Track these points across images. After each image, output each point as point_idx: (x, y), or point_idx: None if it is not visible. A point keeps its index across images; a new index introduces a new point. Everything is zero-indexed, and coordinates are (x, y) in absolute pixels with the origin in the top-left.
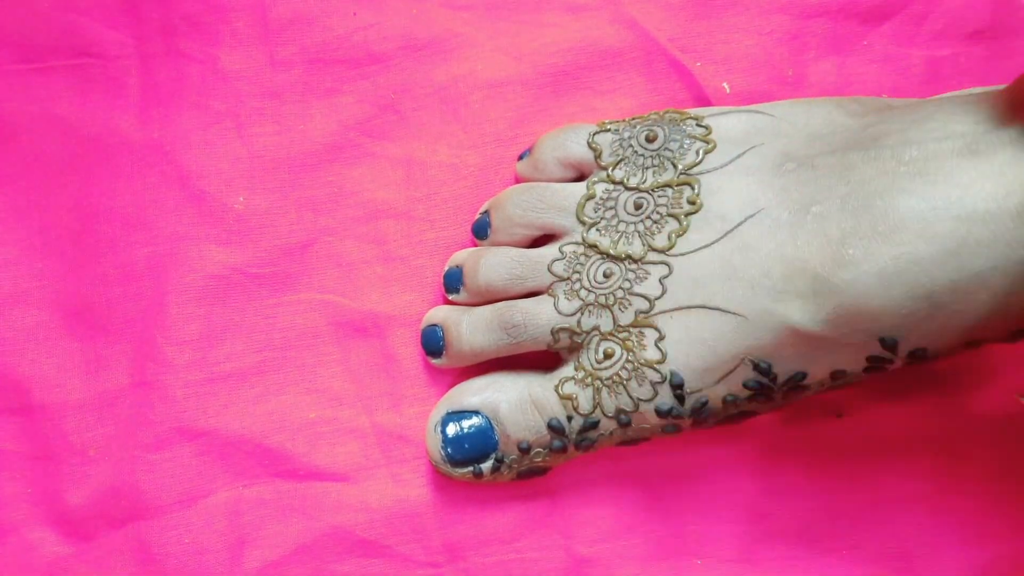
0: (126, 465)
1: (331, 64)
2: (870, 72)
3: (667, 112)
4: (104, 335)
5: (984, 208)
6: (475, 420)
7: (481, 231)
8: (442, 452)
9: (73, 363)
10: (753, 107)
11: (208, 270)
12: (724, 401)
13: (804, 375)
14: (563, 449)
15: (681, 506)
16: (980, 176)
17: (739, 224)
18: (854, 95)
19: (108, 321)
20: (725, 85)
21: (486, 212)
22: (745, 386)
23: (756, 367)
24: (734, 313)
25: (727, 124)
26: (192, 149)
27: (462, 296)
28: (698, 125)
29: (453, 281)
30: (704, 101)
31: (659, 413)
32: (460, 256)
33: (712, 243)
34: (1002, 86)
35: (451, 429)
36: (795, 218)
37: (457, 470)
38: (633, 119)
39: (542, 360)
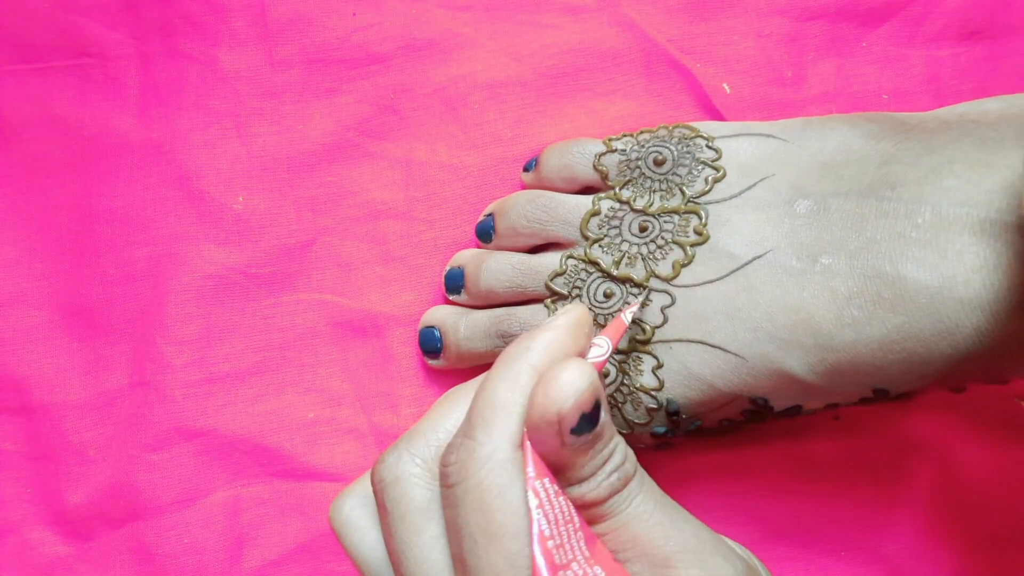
0: (125, 465)
1: (330, 64)
2: (869, 73)
3: (677, 127)
4: (104, 335)
5: (987, 298)
6: None
7: (485, 234)
8: None
9: (73, 363)
10: (765, 128)
11: (207, 270)
12: (719, 424)
13: (799, 408)
14: None
15: None
16: (987, 264)
17: (746, 264)
18: (853, 95)
19: (108, 321)
20: (725, 86)
21: (490, 216)
22: (742, 414)
23: (753, 401)
24: (734, 354)
25: (738, 149)
26: (192, 149)
27: (462, 298)
28: (708, 147)
29: (454, 282)
30: (705, 102)
31: (654, 435)
32: (462, 257)
33: (717, 280)
34: (1016, 98)
35: None
36: (803, 266)
37: None
38: (641, 133)
39: None
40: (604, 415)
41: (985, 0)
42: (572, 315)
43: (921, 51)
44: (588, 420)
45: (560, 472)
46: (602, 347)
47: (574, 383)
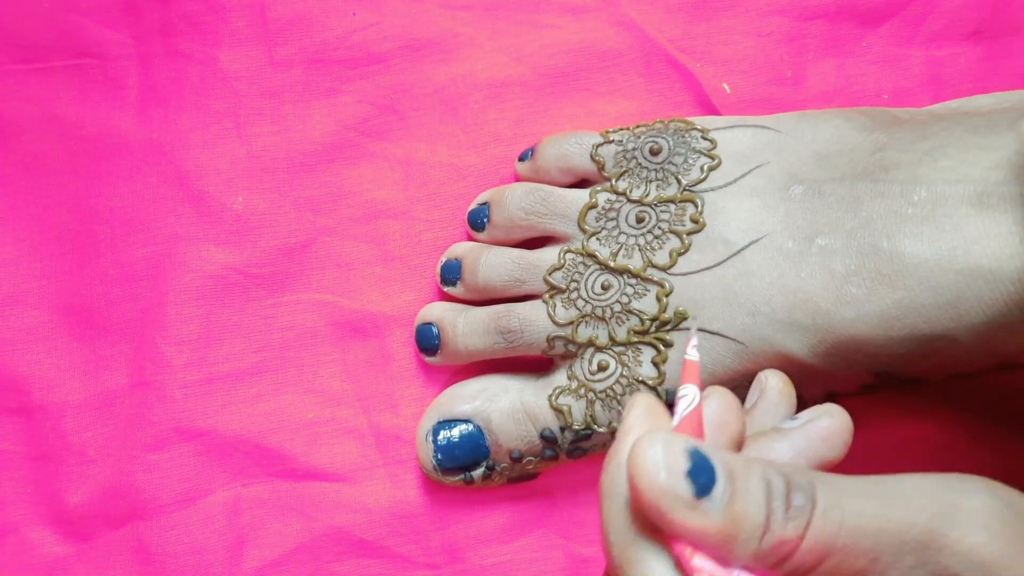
0: (125, 465)
1: (331, 64)
2: (869, 73)
3: (672, 121)
4: (103, 335)
5: (987, 267)
6: (466, 428)
7: (478, 223)
8: (433, 460)
9: (73, 363)
10: (759, 120)
11: (207, 270)
12: None
13: (799, 397)
14: (554, 457)
15: None
16: (987, 233)
17: (742, 249)
18: (853, 95)
19: (107, 321)
20: (725, 86)
21: (485, 204)
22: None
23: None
24: (733, 339)
25: (732, 139)
26: (191, 149)
27: (458, 290)
28: (703, 138)
29: (450, 273)
30: (704, 102)
31: None
32: (459, 249)
33: (714, 266)
34: (1010, 94)
35: (442, 438)
36: (799, 248)
37: (448, 477)
38: (637, 127)
39: (535, 360)
40: (718, 458)
41: (985, 0)
42: (640, 407)
43: (921, 51)
44: (700, 473)
45: (733, 542)
46: (689, 395)
47: (647, 461)
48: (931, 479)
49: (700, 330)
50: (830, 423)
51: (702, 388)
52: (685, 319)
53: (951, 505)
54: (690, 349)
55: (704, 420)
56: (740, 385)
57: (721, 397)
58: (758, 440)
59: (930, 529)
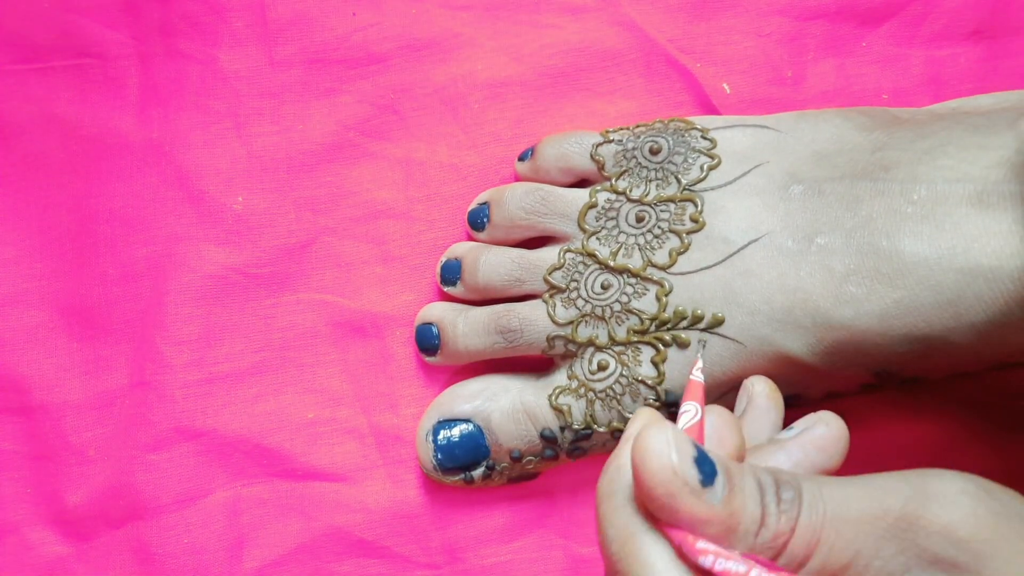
0: (125, 465)
1: (330, 64)
2: (869, 73)
3: (672, 121)
4: (104, 335)
5: (987, 265)
6: (466, 428)
7: (478, 222)
8: (433, 460)
9: (73, 363)
10: (759, 120)
11: (207, 270)
12: None
13: (798, 397)
14: (555, 457)
15: None
16: (987, 231)
17: (742, 248)
18: (853, 95)
19: (107, 321)
20: (725, 86)
21: (485, 204)
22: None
23: None
24: (732, 339)
25: (732, 139)
26: (191, 149)
27: (458, 290)
28: (703, 138)
29: (451, 273)
30: (704, 102)
31: None
32: (459, 249)
33: (713, 265)
34: (1009, 94)
35: (442, 437)
36: (799, 247)
37: (448, 477)
38: (637, 127)
39: (535, 360)
40: (715, 456)
41: (985, 0)
42: (643, 418)
43: (921, 51)
44: (704, 463)
45: (733, 534)
46: (691, 411)
47: (657, 443)
48: (904, 471)
49: (700, 330)
50: (826, 432)
51: (704, 406)
52: (684, 318)
53: (922, 488)
54: (695, 371)
55: (704, 434)
56: (738, 387)
57: (720, 415)
58: (755, 453)
59: (906, 512)
